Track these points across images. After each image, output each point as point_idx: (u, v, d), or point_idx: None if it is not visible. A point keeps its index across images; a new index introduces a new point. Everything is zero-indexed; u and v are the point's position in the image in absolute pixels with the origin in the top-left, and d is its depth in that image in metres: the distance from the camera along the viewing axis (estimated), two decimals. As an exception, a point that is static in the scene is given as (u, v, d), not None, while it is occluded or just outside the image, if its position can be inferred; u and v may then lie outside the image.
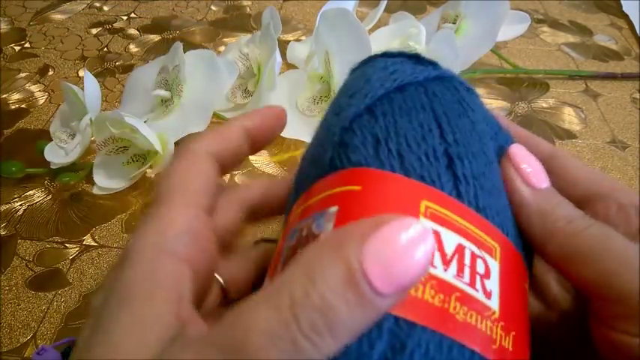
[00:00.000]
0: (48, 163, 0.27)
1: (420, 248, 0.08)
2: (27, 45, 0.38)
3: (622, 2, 0.43)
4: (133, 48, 0.38)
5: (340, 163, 0.11)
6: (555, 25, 0.41)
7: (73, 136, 0.27)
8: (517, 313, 0.10)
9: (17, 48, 0.38)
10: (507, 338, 0.09)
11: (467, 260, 0.09)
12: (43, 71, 0.36)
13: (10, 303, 0.22)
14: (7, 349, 0.20)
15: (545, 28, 0.41)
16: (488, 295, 0.09)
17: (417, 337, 0.08)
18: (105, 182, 0.26)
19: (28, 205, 0.26)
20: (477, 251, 0.09)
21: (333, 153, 0.11)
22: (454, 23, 0.31)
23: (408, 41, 0.28)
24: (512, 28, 0.32)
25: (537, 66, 0.36)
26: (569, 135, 0.31)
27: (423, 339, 0.08)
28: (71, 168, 0.27)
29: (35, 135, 0.30)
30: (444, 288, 0.09)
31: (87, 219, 0.25)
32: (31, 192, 0.27)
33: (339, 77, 0.26)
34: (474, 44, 0.30)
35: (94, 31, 0.40)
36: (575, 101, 0.33)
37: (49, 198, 0.27)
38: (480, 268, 0.09)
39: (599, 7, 0.44)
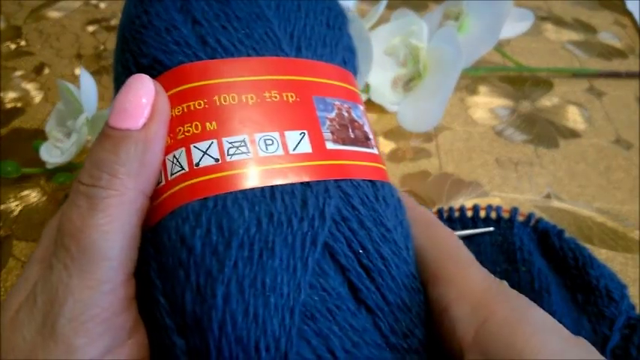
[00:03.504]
0: (44, 163, 0.26)
1: (139, 92, 0.11)
2: (22, 43, 0.38)
3: (626, 1, 0.42)
4: (130, 46, 0.38)
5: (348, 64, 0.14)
6: (559, 22, 0.41)
7: (68, 135, 0.27)
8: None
9: (13, 46, 0.37)
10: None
11: None
12: (38, 69, 0.35)
13: (6, 305, 0.21)
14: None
15: (549, 26, 0.40)
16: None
17: None
18: (101, 182, 0.25)
19: (24, 206, 0.26)
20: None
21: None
22: (456, 20, 0.30)
23: (409, 38, 0.28)
24: (515, 25, 0.32)
25: (541, 64, 0.36)
26: (573, 134, 0.31)
27: None
28: (67, 168, 0.27)
29: (31, 134, 0.30)
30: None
31: (83, 220, 0.25)
32: (26, 192, 0.26)
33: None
34: (477, 42, 0.29)
35: (91, 28, 0.40)
36: (579, 100, 0.33)
37: (44, 198, 0.26)
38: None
39: (603, 4, 0.43)
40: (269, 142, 0.11)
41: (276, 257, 0.10)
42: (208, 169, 0.10)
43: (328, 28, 0.13)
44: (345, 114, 0.12)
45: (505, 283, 0.11)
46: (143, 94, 0.11)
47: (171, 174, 0.11)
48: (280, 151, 0.11)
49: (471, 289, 0.11)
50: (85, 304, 0.10)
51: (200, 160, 0.10)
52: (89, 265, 0.10)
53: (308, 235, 0.10)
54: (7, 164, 0.26)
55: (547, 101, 0.33)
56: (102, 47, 0.37)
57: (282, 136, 0.11)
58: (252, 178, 0.10)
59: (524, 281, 0.19)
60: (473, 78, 0.35)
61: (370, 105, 0.30)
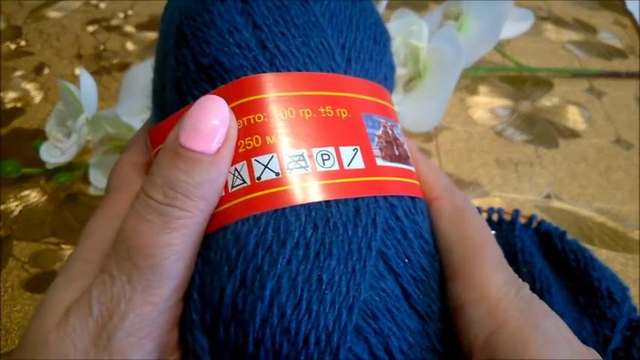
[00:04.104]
0: (44, 163, 0.26)
1: (215, 115, 0.11)
2: (23, 43, 0.38)
3: (626, 1, 0.42)
4: (129, 46, 0.37)
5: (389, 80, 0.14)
6: (559, 22, 0.41)
7: (69, 135, 0.27)
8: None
9: (13, 46, 0.37)
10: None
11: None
12: (38, 69, 0.35)
13: (6, 305, 0.21)
14: (3, 352, 0.20)
15: (549, 26, 0.40)
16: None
17: None
18: (101, 182, 0.25)
19: (24, 206, 0.26)
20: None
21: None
22: (456, 20, 0.30)
23: (409, 38, 0.28)
24: (515, 25, 0.32)
25: (541, 64, 0.36)
26: (574, 134, 0.31)
27: None
28: (67, 168, 0.27)
29: (31, 134, 0.30)
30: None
31: (83, 220, 0.25)
32: (26, 192, 0.26)
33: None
34: (477, 42, 0.29)
35: (91, 28, 0.40)
36: (579, 100, 0.33)
37: (44, 198, 0.26)
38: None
39: (603, 4, 0.43)
40: (325, 157, 0.11)
41: (334, 258, 0.10)
42: (270, 183, 0.11)
43: (375, 43, 0.14)
44: (390, 132, 0.13)
45: (526, 287, 0.11)
46: (218, 118, 0.11)
47: (232, 186, 0.11)
48: (336, 166, 0.11)
49: (490, 292, 0.11)
50: (145, 320, 0.09)
51: (262, 173, 0.11)
52: (155, 281, 0.10)
53: (363, 241, 0.10)
54: (7, 164, 0.26)
55: (547, 101, 0.33)
56: (102, 47, 0.37)
57: (337, 151, 0.11)
58: (311, 192, 0.11)
59: (525, 282, 0.19)
60: (473, 78, 0.35)
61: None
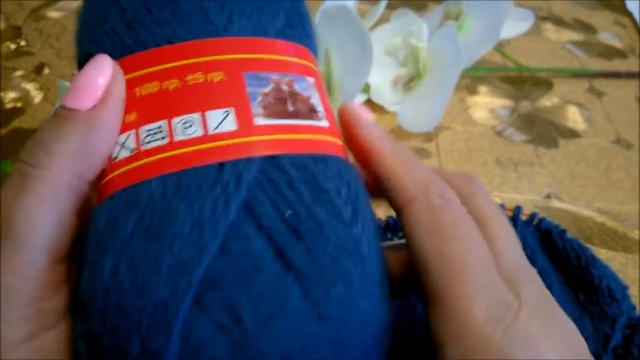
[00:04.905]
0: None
1: (93, 72, 0.11)
2: (22, 43, 0.38)
3: (626, 1, 0.42)
4: (130, 46, 0.37)
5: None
6: (559, 22, 0.41)
7: (69, 135, 0.27)
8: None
9: (13, 46, 0.37)
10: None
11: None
12: (38, 69, 0.35)
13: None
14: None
15: (549, 26, 0.40)
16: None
17: None
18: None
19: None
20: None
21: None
22: (456, 20, 0.30)
23: (409, 38, 0.28)
24: (515, 25, 0.32)
25: (541, 64, 0.36)
26: (574, 134, 0.31)
27: None
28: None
29: (31, 134, 0.30)
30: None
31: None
32: (26, 192, 0.26)
33: (339, 76, 0.26)
34: (477, 41, 0.29)
35: (91, 28, 0.39)
36: (579, 100, 0.33)
37: (44, 198, 0.26)
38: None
39: (603, 4, 0.43)
40: (187, 124, 0.11)
41: (177, 224, 0.09)
42: (124, 161, 0.11)
43: None
44: (285, 87, 0.12)
45: (525, 311, 0.09)
46: (99, 75, 0.10)
47: None
48: (199, 132, 0.11)
49: (469, 330, 0.09)
50: (7, 288, 0.09)
51: (118, 153, 0.11)
52: (12, 248, 0.09)
53: (220, 199, 0.10)
54: (7, 164, 0.26)
55: (547, 101, 0.33)
56: (102, 47, 0.37)
57: (203, 116, 0.11)
58: (167, 163, 0.10)
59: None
60: (473, 78, 0.35)
61: (370, 105, 0.30)
